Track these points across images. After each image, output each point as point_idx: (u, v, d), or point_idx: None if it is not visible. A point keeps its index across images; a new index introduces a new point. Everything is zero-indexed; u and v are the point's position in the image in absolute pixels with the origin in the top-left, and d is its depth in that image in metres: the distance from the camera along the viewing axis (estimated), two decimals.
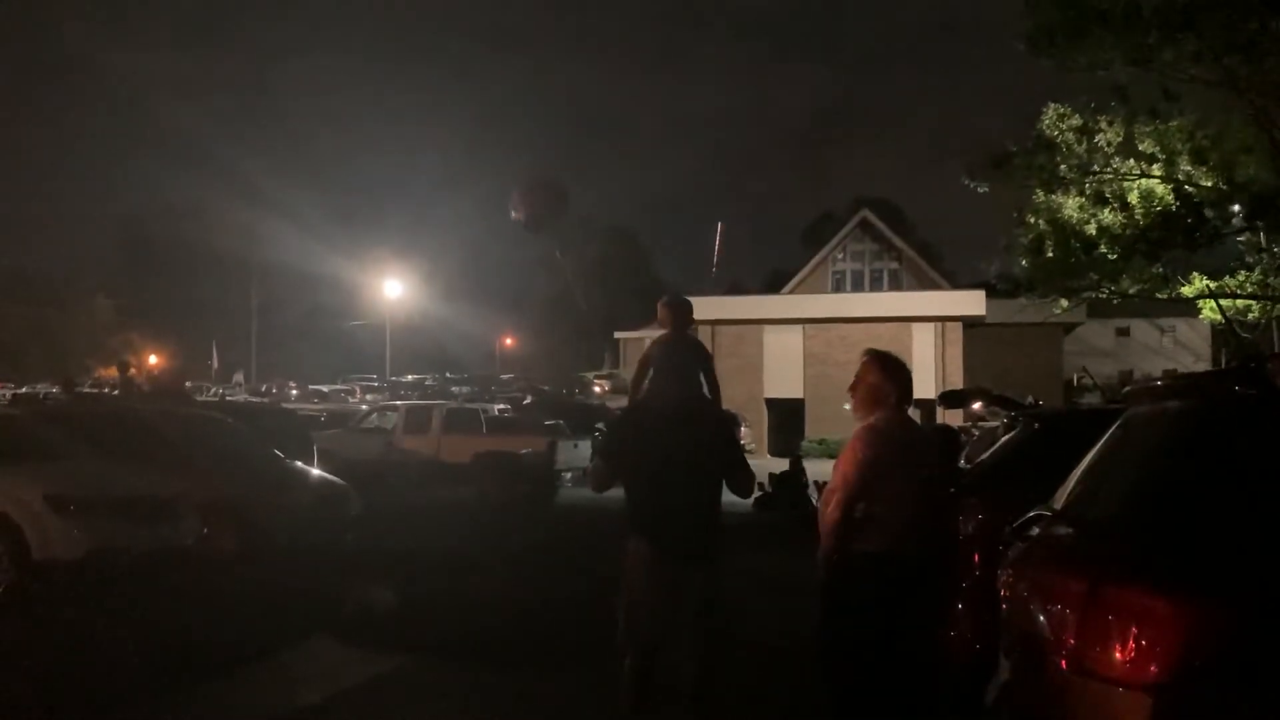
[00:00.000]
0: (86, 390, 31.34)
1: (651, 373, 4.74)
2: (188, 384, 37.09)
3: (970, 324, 33.48)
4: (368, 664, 6.72)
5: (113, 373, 49.66)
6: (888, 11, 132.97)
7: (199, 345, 57.65)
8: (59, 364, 47.34)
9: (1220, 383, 3.38)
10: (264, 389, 48.39)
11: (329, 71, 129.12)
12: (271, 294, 66.41)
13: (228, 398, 35.48)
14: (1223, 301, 20.50)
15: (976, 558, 5.05)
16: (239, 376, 53.95)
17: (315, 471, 11.83)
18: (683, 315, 4.94)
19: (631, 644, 4.47)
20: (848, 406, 4.68)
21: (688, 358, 4.78)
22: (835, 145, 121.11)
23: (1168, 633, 2.60)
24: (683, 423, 4.52)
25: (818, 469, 16.89)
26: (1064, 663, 2.83)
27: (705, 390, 4.83)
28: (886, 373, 4.44)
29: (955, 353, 32.70)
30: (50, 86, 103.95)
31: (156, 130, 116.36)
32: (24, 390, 38.56)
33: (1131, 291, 21.19)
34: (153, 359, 61.77)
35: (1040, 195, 20.61)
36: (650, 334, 34.48)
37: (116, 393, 20.17)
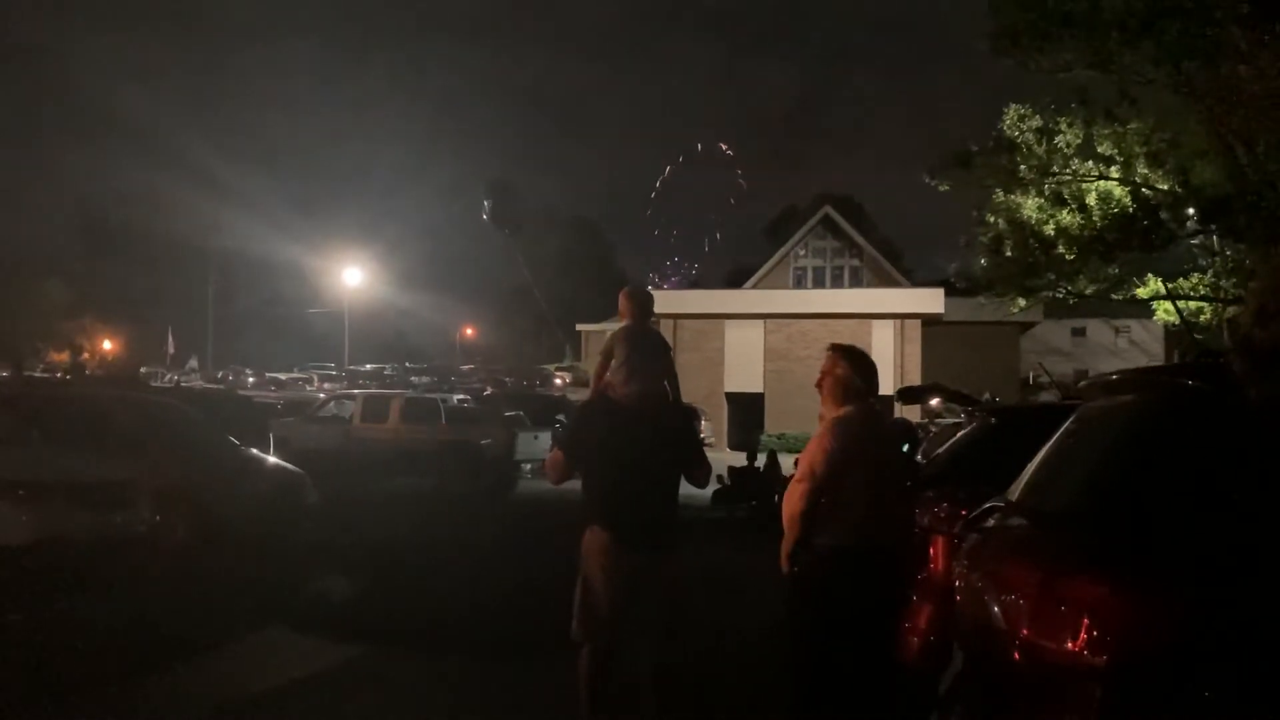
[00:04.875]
0: (38, 375, 30.84)
1: (612, 365, 4.73)
2: (142, 370, 36.59)
3: (929, 321, 33.78)
4: (322, 654, 6.68)
5: (65, 357, 48.93)
6: (851, 9, 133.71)
7: (155, 331, 56.81)
8: (10, 348, 46.46)
9: (1175, 377, 3.43)
10: (220, 376, 47.86)
11: (288, 57, 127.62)
12: (229, 281, 65.64)
13: (183, 384, 35.04)
14: (1177, 303, 20.86)
15: (932, 550, 5.10)
16: (193, 363, 53.34)
17: (271, 460, 11.71)
18: (643, 307, 4.92)
19: (588, 635, 4.47)
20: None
21: (648, 350, 4.77)
22: (798, 142, 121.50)
23: (1119, 622, 2.63)
24: (642, 415, 4.52)
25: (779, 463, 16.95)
26: (1016, 653, 2.86)
27: (664, 383, 4.82)
28: (853, 366, 4.47)
29: (914, 350, 32.98)
30: (4, 68, 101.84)
31: (112, 114, 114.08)
32: None
33: (1088, 292, 21.48)
34: (107, 344, 60.85)
35: (1000, 195, 20.83)
36: (612, 326, 34.49)
37: (68, 377, 19.86)
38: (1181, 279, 20.51)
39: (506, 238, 64.34)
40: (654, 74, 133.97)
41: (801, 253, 42.77)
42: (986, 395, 16.91)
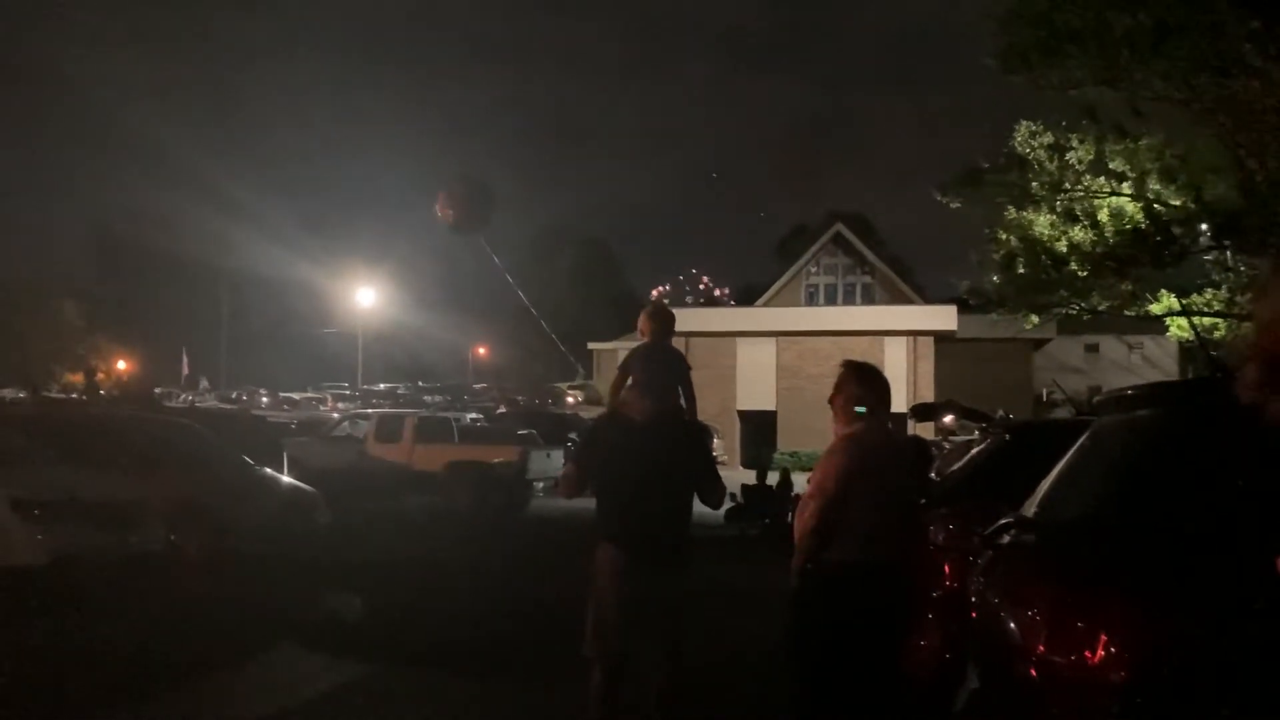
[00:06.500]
0: (53, 395, 31.01)
1: (630, 381, 4.73)
2: (156, 390, 36.73)
3: (942, 338, 33.70)
4: (333, 672, 6.67)
5: (80, 378, 49.18)
6: (861, 27, 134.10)
7: (169, 351, 57.07)
8: (25, 369, 46.71)
9: (1189, 392, 3.42)
10: (234, 396, 48.01)
11: (301, 76, 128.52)
12: (242, 300, 65.89)
13: (198, 405, 35.17)
14: (1191, 319, 20.76)
15: (947, 568, 5.08)
16: (205, 383, 53.53)
17: (285, 479, 11.74)
18: (663, 325, 4.93)
19: (599, 653, 4.46)
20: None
21: (666, 367, 4.78)
22: (809, 159, 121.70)
23: (1136, 638, 2.62)
24: (657, 432, 4.51)
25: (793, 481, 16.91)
26: (1032, 670, 2.84)
27: (682, 400, 4.83)
28: (865, 383, 4.46)
29: (927, 367, 32.91)
30: (16, 89, 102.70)
31: (125, 134, 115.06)
32: None
33: (1101, 308, 21.42)
34: (121, 365, 61.12)
35: (1011, 212, 20.79)
36: (624, 344, 34.51)
37: (84, 398, 19.98)
38: (1195, 294, 20.42)
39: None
40: (665, 93, 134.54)
41: (813, 270, 42.77)
42: (1000, 412, 16.82)
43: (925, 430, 21.46)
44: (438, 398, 43.39)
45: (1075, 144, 19.47)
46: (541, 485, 18.99)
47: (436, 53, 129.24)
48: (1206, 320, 20.39)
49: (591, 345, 49.61)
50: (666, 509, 4.48)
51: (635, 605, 4.37)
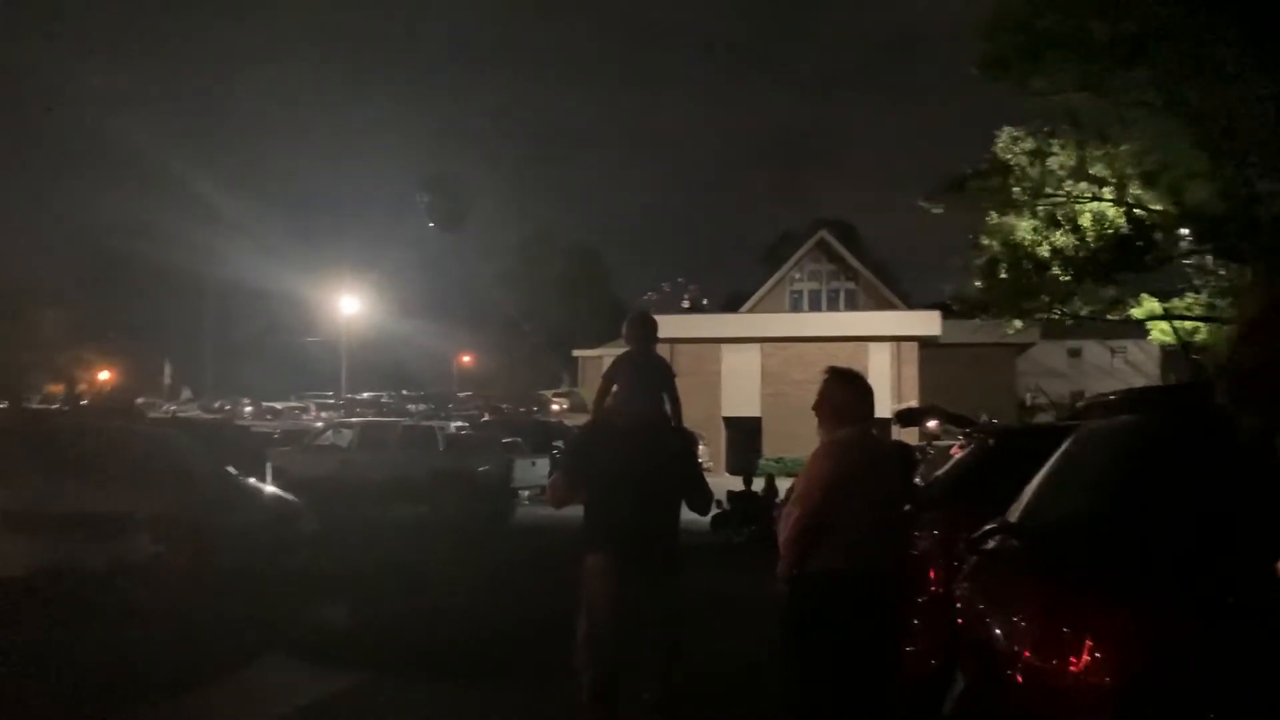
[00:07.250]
0: (34, 406, 30.78)
1: (615, 388, 4.73)
2: (139, 400, 36.54)
3: (926, 344, 33.84)
4: (321, 682, 6.64)
5: (61, 389, 48.90)
6: (846, 35, 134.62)
7: (152, 362, 56.76)
8: (6, 379, 46.39)
9: (1171, 398, 3.44)
10: (218, 405, 47.77)
11: (286, 85, 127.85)
12: (226, 310, 65.62)
13: (180, 414, 35.00)
14: (1173, 323, 20.90)
15: (933, 573, 5.09)
16: (188, 392, 53.28)
17: (269, 489, 11.68)
18: (648, 332, 4.92)
19: (591, 662, 4.44)
20: None
21: (651, 375, 4.78)
22: (795, 167, 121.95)
23: (1122, 642, 2.63)
24: (644, 439, 4.51)
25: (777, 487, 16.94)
26: (1019, 675, 2.85)
27: (667, 407, 4.83)
28: (850, 389, 4.46)
29: (911, 372, 33.04)
30: None
31: (108, 144, 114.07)
32: None
33: (1083, 313, 21.55)
34: (104, 375, 60.77)
35: (994, 217, 20.91)
36: (609, 352, 34.52)
37: (65, 408, 19.88)
38: (1177, 299, 20.57)
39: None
40: (651, 101, 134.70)
41: (797, 276, 42.88)
42: (983, 417, 16.91)
43: (909, 436, 21.53)
44: (422, 406, 43.28)
45: (1057, 149, 19.59)
46: (527, 493, 18.97)
47: (424, 61, 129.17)
48: (1188, 324, 20.54)
49: (576, 352, 49.64)
50: (654, 516, 4.47)
51: (631, 613, 4.35)
